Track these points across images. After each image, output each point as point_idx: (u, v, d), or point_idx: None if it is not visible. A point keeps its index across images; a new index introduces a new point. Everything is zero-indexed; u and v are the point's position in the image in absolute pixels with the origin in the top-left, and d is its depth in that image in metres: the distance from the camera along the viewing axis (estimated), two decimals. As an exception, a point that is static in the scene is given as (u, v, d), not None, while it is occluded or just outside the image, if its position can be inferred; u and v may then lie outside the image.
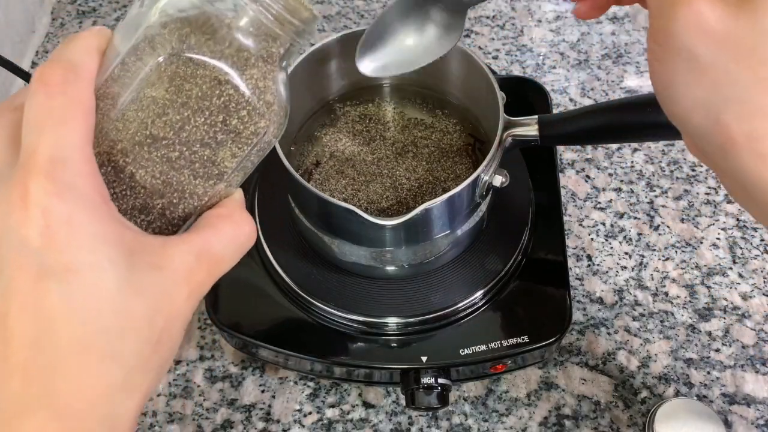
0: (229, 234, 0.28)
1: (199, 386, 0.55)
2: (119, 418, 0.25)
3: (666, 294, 0.59)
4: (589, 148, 0.67)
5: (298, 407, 0.54)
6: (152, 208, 0.28)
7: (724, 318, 0.57)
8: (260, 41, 0.28)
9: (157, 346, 0.25)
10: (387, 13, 0.41)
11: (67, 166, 0.24)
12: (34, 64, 0.75)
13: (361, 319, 0.51)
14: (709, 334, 0.57)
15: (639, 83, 0.71)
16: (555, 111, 0.66)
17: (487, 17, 0.78)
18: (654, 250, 0.61)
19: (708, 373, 0.55)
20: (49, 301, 0.23)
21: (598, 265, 0.60)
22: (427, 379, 0.48)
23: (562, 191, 0.63)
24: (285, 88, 0.29)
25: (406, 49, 0.41)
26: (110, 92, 0.27)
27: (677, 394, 0.54)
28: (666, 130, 0.42)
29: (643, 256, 0.60)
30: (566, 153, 0.67)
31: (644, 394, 0.54)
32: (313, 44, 0.51)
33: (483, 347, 0.49)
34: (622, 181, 0.65)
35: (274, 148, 0.41)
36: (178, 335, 0.26)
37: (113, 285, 0.24)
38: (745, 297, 0.58)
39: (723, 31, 0.27)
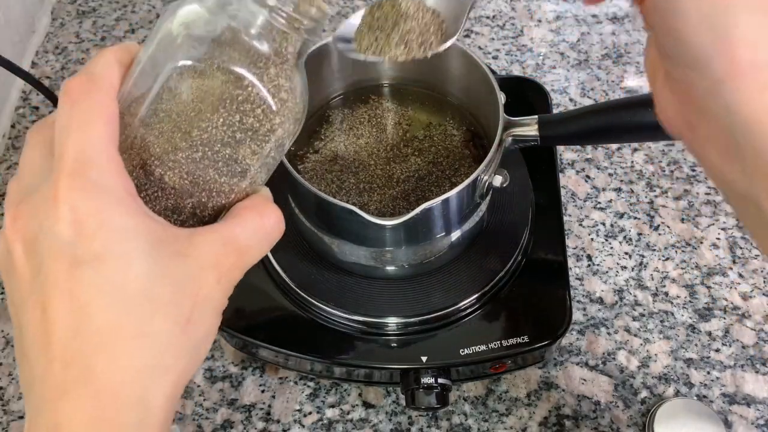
0: (253, 224, 0.29)
1: (199, 386, 0.55)
2: (153, 398, 0.26)
3: (666, 294, 0.59)
4: (589, 148, 0.67)
5: (298, 407, 0.54)
6: (183, 207, 0.30)
7: (724, 318, 0.57)
8: (272, 43, 0.29)
9: (186, 327, 0.27)
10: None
11: (92, 164, 0.26)
12: (34, 64, 0.75)
13: (361, 319, 0.51)
14: (709, 334, 0.57)
15: (639, 83, 0.71)
16: (555, 111, 0.66)
17: (487, 17, 0.78)
18: (654, 250, 0.61)
19: (708, 373, 0.55)
20: (82, 288, 0.25)
21: (598, 265, 0.60)
22: (427, 379, 0.48)
23: (562, 191, 0.63)
24: (301, 84, 0.30)
25: None
26: (135, 100, 0.29)
27: (677, 394, 0.54)
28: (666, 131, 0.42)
29: (643, 256, 0.60)
30: (566, 153, 0.67)
31: (644, 394, 0.54)
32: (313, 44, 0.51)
33: (483, 347, 0.49)
34: (622, 181, 0.65)
35: None
36: (210, 318, 0.28)
37: (140, 271, 0.26)
38: (745, 297, 0.58)
39: None
